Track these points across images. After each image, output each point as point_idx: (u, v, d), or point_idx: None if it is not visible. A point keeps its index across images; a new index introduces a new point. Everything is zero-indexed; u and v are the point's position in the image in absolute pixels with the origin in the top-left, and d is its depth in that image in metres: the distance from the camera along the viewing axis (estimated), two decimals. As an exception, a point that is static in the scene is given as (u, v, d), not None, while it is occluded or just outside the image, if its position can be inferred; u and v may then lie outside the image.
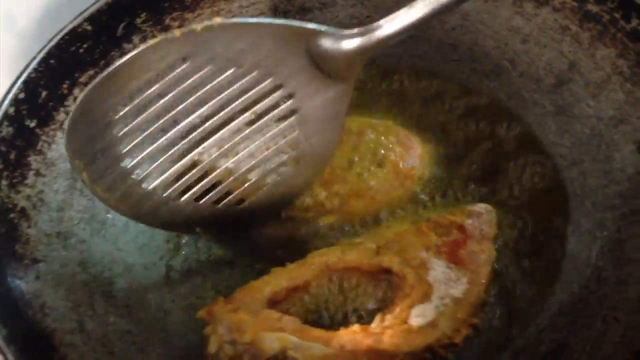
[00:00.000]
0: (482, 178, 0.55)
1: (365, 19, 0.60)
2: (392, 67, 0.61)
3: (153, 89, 0.47)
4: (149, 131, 0.48)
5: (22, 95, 0.51)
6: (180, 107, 0.48)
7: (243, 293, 0.49)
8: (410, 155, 0.55)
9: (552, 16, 0.54)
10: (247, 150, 0.51)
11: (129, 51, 0.54)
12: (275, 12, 0.60)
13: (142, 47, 0.46)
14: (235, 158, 0.51)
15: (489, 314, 0.50)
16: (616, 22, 0.51)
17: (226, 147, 0.50)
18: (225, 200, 0.52)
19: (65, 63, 0.53)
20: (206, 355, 0.47)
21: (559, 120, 0.55)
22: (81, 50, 0.54)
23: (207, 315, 0.48)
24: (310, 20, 0.59)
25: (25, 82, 0.51)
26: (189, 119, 0.48)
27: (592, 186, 0.52)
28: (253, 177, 0.52)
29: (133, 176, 0.49)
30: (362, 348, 0.45)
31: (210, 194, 0.51)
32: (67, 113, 0.53)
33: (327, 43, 0.48)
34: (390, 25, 0.47)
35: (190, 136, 0.49)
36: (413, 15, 0.46)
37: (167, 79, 0.47)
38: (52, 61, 0.52)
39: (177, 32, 0.46)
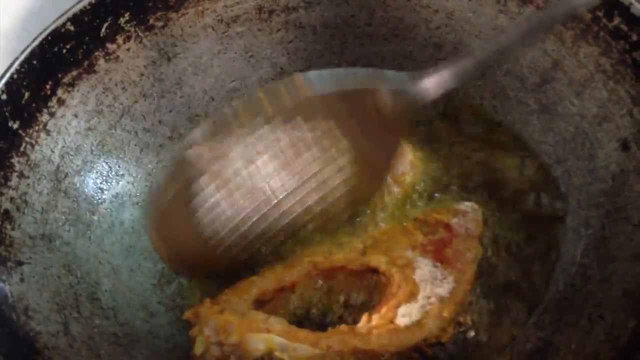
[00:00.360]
0: (473, 181, 0.55)
1: (351, 18, 0.60)
2: (378, 68, 0.61)
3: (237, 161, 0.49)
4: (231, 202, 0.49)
5: (4, 97, 0.50)
6: (261, 170, 0.50)
7: (229, 294, 0.49)
8: (401, 161, 0.55)
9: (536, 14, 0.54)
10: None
11: (113, 51, 0.56)
12: (260, 11, 0.59)
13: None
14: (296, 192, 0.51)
15: (477, 313, 0.50)
16: (599, 21, 0.51)
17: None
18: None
19: (48, 64, 0.53)
20: (192, 357, 0.46)
21: (543, 118, 0.55)
22: (64, 51, 0.53)
23: (193, 317, 0.48)
24: (295, 20, 0.60)
25: (7, 84, 0.51)
26: (268, 181, 0.50)
27: (576, 184, 0.52)
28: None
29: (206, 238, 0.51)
30: (349, 348, 0.45)
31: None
32: (50, 114, 0.53)
33: (388, 98, 0.49)
34: (453, 71, 0.48)
35: (267, 194, 0.50)
36: (478, 57, 0.47)
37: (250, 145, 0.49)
38: (34, 62, 0.52)
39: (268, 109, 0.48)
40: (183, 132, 0.60)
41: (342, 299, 0.50)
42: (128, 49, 0.56)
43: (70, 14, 0.53)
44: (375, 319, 0.47)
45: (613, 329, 0.44)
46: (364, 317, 0.47)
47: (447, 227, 0.51)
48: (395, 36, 0.60)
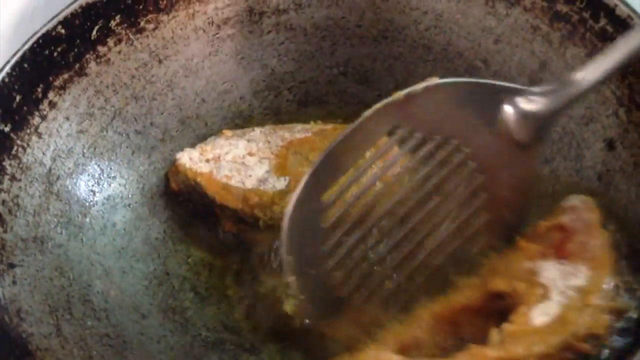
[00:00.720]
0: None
1: (341, 20, 0.61)
2: (368, 69, 0.62)
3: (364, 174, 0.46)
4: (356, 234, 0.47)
5: (-5, 100, 0.51)
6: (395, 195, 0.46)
7: None
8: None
9: (524, 16, 0.54)
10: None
11: (104, 54, 0.56)
12: (251, 13, 0.60)
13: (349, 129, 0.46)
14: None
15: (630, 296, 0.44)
16: (585, 22, 0.51)
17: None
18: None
19: (39, 67, 0.53)
20: None
21: (531, 119, 0.55)
22: (55, 54, 0.53)
23: None
24: (286, 22, 0.61)
25: (-2, 87, 0.51)
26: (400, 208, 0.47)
27: (563, 184, 0.53)
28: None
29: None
30: None
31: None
32: (42, 117, 0.53)
33: (521, 103, 0.45)
34: (589, 74, 0.44)
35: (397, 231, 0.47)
36: (613, 58, 0.44)
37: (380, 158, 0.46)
38: (25, 65, 0.52)
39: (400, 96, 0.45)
40: (174, 134, 0.60)
41: (471, 338, 0.45)
42: (119, 52, 0.57)
43: (61, 17, 0.53)
44: (508, 329, 0.42)
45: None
46: (494, 332, 0.42)
47: (561, 227, 0.46)
48: (385, 38, 0.61)
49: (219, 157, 0.57)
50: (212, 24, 0.59)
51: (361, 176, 0.47)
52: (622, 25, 0.49)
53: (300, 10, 0.60)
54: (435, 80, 0.47)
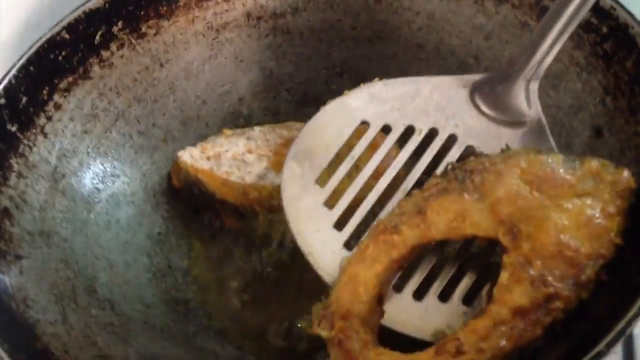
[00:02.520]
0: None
1: (336, 22, 0.62)
2: (364, 69, 0.63)
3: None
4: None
5: (2, 101, 0.52)
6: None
7: None
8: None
9: (512, 13, 0.56)
10: None
11: (107, 58, 0.57)
12: (249, 18, 0.61)
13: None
14: None
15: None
16: (571, 16, 0.53)
17: None
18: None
19: (45, 70, 0.54)
20: None
21: (521, 111, 0.57)
22: (60, 58, 0.55)
23: None
24: (283, 25, 0.62)
25: (5, 89, 0.52)
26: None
27: (554, 172, 0.54)
28: None
29: None
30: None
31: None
32: (47, 118, 0.54)
33: (491, 87, 0.50)
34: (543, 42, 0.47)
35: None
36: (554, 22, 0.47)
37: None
38: (31, 68, 0.53)
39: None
40: (176, 134, 0.61)
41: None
42: (122, 56, 0.58)
43: (65, 22, 0.55)
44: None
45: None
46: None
47: None
48: (379, 38, 0.62)
49: (219, 155, 0.58)
50: (212, 29, 0.61)
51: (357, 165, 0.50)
52: (606, 16, 0.51)
53: (297, 14, 0.62)
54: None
